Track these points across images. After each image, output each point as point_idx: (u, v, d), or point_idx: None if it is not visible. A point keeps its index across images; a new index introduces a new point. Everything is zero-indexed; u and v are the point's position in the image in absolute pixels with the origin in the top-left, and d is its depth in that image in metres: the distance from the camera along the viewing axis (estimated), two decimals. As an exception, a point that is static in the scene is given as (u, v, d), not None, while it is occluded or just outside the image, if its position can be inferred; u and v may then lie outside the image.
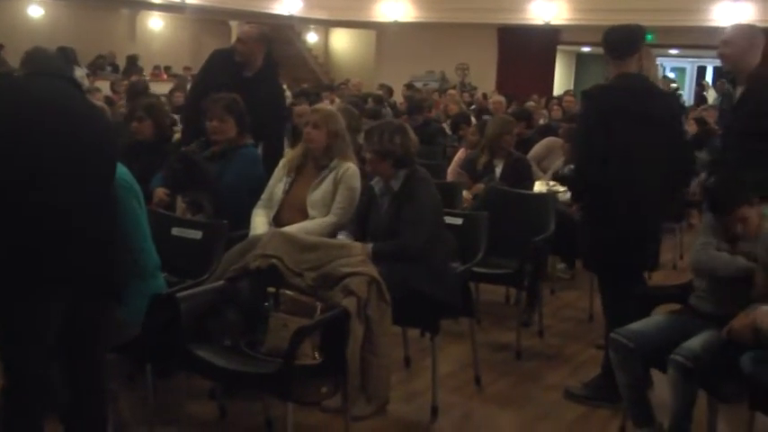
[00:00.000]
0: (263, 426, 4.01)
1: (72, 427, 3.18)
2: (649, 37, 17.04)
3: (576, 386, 4.59)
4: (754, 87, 4.45)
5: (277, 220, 4.50)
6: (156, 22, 23.80)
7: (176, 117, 7.78)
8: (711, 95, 17.79)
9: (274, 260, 3.68)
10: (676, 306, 4.11)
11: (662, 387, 3.79)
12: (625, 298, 4.23)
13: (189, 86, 8.75)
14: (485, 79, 21.07)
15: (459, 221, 4.81)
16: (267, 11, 21.14)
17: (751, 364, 3.46)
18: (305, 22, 23.94)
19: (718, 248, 3.86)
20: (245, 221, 4.55)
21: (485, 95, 17.18)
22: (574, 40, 21.02)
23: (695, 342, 3.65)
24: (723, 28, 4.96)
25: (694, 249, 3.95)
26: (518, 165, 6.36)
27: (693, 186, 6.07)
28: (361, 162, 4.50)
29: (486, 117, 9.10)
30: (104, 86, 13.23)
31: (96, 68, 19.09)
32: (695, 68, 26.04)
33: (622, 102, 4.25)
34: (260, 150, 5.39)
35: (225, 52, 6.10)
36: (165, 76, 20.02)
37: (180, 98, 10.51)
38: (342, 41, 27.00)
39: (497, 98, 11.41)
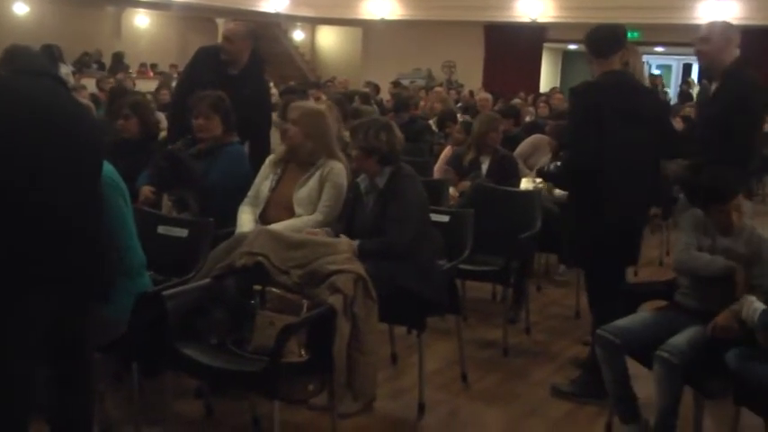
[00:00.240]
0: (249, 424, 4.00)
1: (58, 427, 3.17)
2: (635, 34, 17.19)
3: (563, 383, 4.61)
4: (728, 84, 4.57)
5: (263, 218, 4.49)
6: (141, 20, 23.73)
7: (162, 115, 7.74)
8: (696, 93, 17.90)
9: (260, 258, 3.68)
10: (662, 302, 4.13)
11: (648, 383, 3.80)
12: (611, 294, 4.25)
13: (174, 84, 8.73)
14: (471, 77, 21.11)
15: (445, 219, 4.81)
16: (254, 8, 21.11)
17: (736, 360, 3.49)
18: (291, 19, 23.91)
19: (699, 247, 3.90)
20: (232, 219, 4.54)
21: (471, 93, 17.22)
22: (560, 37, 21.09)
23: (680, 338, 3.68)
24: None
25: (676, 250, 4.00)
26: (504, 162, 6.36)
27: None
28: (350, 159, 4.49)
29: (465, 117, 9.12)
30: (90, 84, 13.17)
31: (82, 66, 19.03)
32: (681, 66, 26.16)
33: (610, 98, 4.28)
34: (247, 148, 5.39)
35: (210, 49, 6.08)
36: (152, 74, 19.97)
37: (166, 96, 10.48)
38: (328, 39, 26.98)
39: (484, 95, 11.42)
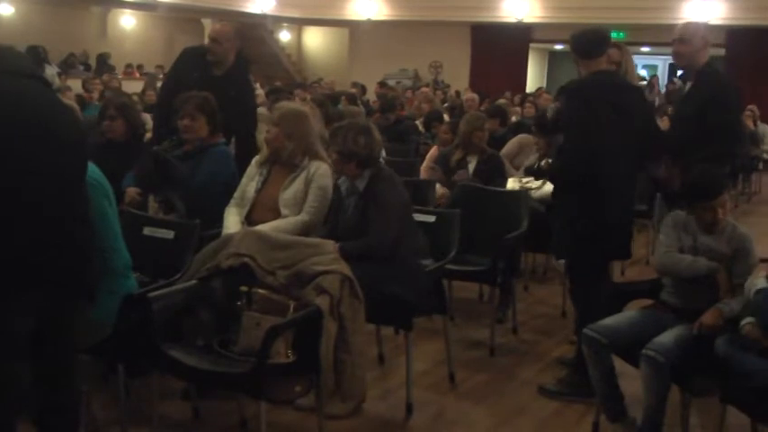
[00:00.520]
0: (236, 425, 3.99)
1: (45, 428, 3.15)
2: (621, 35, 17.25)
3: (550, 383, 4.61)
4: (701, 84, 4.70)
5: (249, 219, 4.49)
6: (127, 20, 23.64)
7: (149, 116, 7.72)
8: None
9: (247, 259, 3.67)
10: (648, 301, 4.15)
11: (635, 382, 3.82)
12: (597, 292, 4.27)
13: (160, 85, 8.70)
14: (458, 77, 21.14)
15: (431, 219, 4.82)
16: (240, 9, 21.07)
17: (725, 345, 3.53)
18: (278, 20, 23.87)
19: (681, 247, 3.93)
20: (218, 220, 4.53)
21: (458, 93, 17.24)
22: (546, 37, 21.14)
23: (667, 337, 3.69)
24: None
25: (657, 253, 4.02)
26: (491, 162, 6.38)
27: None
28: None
29: (452, 117, 9.13)
30: (76, 85, 13.11)
31: (68, 67, 18.95)
32: (667, 65, 26.25)
33: (601, 94, 4.34)
34: (232, 149, 5.38)
35: (196, 49, 6.07)
36: (138, 75, 19.91)
37: (152, 97, 10.46)
38: (315, 40, 26.95)
39: (470, 96, 11.44)
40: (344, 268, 3.59)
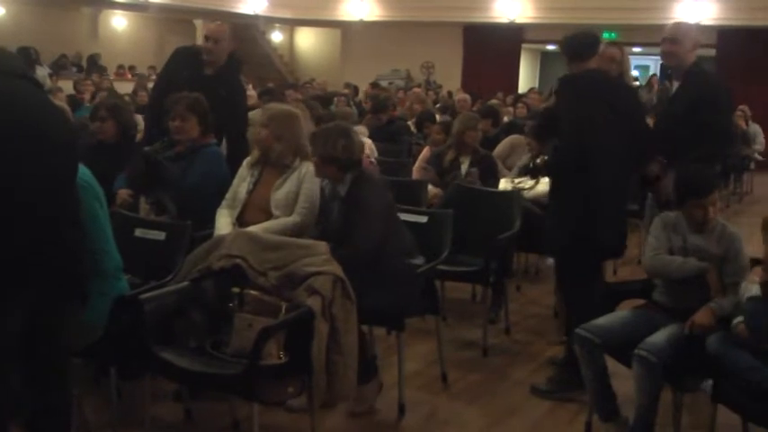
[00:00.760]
0: (229, 427, 3.99)
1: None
2: (613, 35, 17.30)
3: (542, 382, 4.62)
4: (690, 84, 4.74)
5: (240, 221, 4.48)
6: (119, 21, 23.57)
7: (140, 117, 7.70)
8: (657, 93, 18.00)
9: (238, 260, 3.66)
10: (640, 301, 4.15)
11: (627, 381, 3.82)
12: (590, 293, 4.27)
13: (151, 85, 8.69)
14: (450, 77, 21.14)
15: (423, 219, 4.82)
16: (232, 10, 21.03)
17: (717, 343, 3.54)
18: (270, 21, 23.83)
19: (670, 248, 3.94)
20: (210, 222, 4.52)
21: (450, 93, 17.25)
22: (538, 38, 21.15)
23: (659, 336, 3.70)
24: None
25: (646, 256, 4.03)
26: (484, 162, 6.38)
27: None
28: None
29: (444, 117, 9.13)
30: (67, 86, 13.08)
31: (59, 68, 18.91)
32: (658, 66, 26.30)
33: (592, 91, 4.40)
34: (224, 149, 5.37)
35: (188, 49, 6.06)
36: (130, 76, 19.87)
37: (144, 98, 10.44)
38: (307, 40, 26.92)
39: (462, 96, 11.44)
40: (336, 269, 3.58)
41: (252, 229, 4.19)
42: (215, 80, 5.60)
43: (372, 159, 6.92)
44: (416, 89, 16.17)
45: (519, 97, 13.86)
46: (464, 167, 6.35)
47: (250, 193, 4.56)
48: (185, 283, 3.70)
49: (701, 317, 3.66)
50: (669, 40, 4.80)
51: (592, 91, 4.40)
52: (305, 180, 4.46)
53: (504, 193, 6.06)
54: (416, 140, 9.09)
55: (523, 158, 6.81)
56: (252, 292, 3.58)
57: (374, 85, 17.26)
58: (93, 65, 20.13)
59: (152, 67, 19.09)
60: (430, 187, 6.20)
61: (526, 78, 22.60)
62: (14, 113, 2.77)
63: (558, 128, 4.51)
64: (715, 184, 3.98)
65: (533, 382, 4.65)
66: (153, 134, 5.46)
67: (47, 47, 18.62)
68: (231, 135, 5.61)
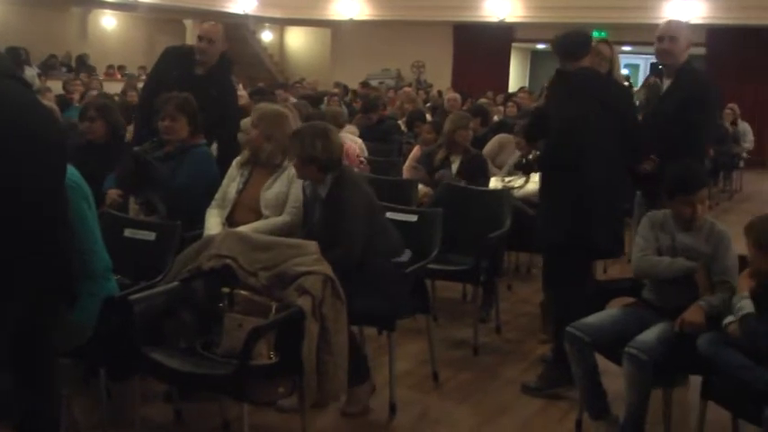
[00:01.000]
0: (219, 427, 3.98)
1: (25, 433, 3.13)
2: (603, 34, 17.39)
3: (532, 381, 4.62)
4: (682, 82, 4.76)
5: (230, 221, 4.47)
6: (108, 21, 23.51)
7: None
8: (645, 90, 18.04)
9: (228, 260, 3.65)
10: (630, 299, 4.16)
11: (617, 379, 3.83)
12: (580, 291, 4.28)
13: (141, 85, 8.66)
14: (440, 77, 21.16)
15: (413, 218, 4.82)
16: (222, 9, 21.00)
17: (707, 343, 3.53)
18: (260, 20, 23.80)
19: (658, 247, 3.95)
20: (200, 222, 4.51)
21: (440, 93, 17.26)
22: (528, 37, 21.18)
23: (649, 335, 3.71)
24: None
25: (634, 257, 4.02)
26: (474, 161, 6.39)
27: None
28: None
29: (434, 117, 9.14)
30: (56, 86, 13.04)
31: (48, 68, 18.86)
32: (648, 65, 26.36)
33: (585, 88, 4.41)
34: (214, 149, 5.36)
35: (178, 49, 6.05)
36: (119, 76, 19.81)
37: (133, 98, 10.40)
38: (297, 40, 26.91)
39: (452, 95, 11.44)
40: (327, 269, 3.58)
41: (242, 229, 4.19)
42: (206, 80, 5.59)
43: (363, 159, 6.92)
44: (407, 88, 16.17)
45: (509, 96, 13.89)
46: (455, 167, 6.35)
47: (240, 193, 4.55)
48: (175, 284, 3.69)
49: (692, 315, 3.66)
50: (668, 39, 4.79)
51: (584, 89, 4.41)
52: (295, 180, 4.45)
53: (495, 192, 6.07)
54: (407, 140, 9.10)
55: (514, 157, 6.82)
56: (242, 292, 3.57)
57: (364, 84, 17.26)
58: (83, 65, 20.07)
59: (142, 67, 19.05)
60: (420, 186, 6.21)
61: (516, 77, 22.63)
62: (5, 113, 2.76)
63: (548, 127, 4.51)
64: (704, 180, 3.97)
65: (524, 381, 4.65)
66: (143, 134, 5.44)
67: (36, 47, 18.56)
68: (222, 135, 5.60)
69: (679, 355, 3.65)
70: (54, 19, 21.55)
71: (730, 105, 13.55)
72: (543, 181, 4.70)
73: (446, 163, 6.38)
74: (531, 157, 5.21)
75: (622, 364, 3.67)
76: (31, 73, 14.94)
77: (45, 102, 5.28)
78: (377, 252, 4.07)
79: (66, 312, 3.15)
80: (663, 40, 4.82)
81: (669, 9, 17.45)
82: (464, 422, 4.28)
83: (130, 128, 6.09)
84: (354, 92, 16.24)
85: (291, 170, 4.47)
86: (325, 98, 11.93)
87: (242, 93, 9.13)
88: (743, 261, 3.86)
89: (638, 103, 5.73)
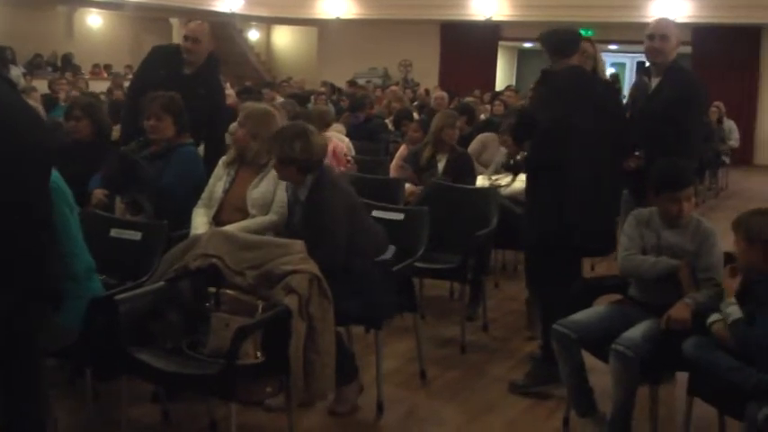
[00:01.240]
0: (206, 427, 3.96)
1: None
2: (589, 33, 17.44)
3: (519, 379, 4.62)
4: (671, 80, 4.75)
5: (217, 220, 4.46)
6: (94, 20, 23.41)
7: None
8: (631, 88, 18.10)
9: (215, 260, 3.64)
10: (617, 296, 4.17)
11: (604, 376, 3.84)
12: (565, 289, 4.28)
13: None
14: (428, 75, 21.16)
15: (400, 217, 4.82)
16: (208, 8, 20.93)
17: (693, 348, 3.54)
18: (246, 19, 23.76)
19: (644, 246, 3.95)
20: (186, 221, 4.50)
21: (427, 91, 17.26)
22: (515, 36, 21.20)
23: (636, 331, 3.72)
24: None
25: (619, 257, 4.03)
26: (461, 160, 6.40)
27: None
28: None
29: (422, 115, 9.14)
30: (42, 86, 12.98)
31: (34, 68, 18.79)
32: (634, 63, 26.44)
33: (573, 87, 4.41)
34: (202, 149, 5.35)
35: (165, 48, 6.03)
36: (105, 75, 19.74)
37: (120, 96, 10.37)
38: (284, 39, 26.87)
39: (439, 94, 11.45)
40: (313, 267, 3.57)
41: (228, 228, 4.17)
42: (194, 79, 5.58)
43: (350, 158, 6.92)
44: (394, 87, 16.17)
45: (496, 95, 13.89)
46: (441, 165, 6.36)
47: (226, 192, 4.54)
48: (161, 284, 3.68)
49: (678, 312, 3.67)
50: (659, 37, 4.78)
51: (572, 89, 4.40)
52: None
53: (482, 190, 6.08)
54: (394, 138, 9.10)
55: (501, 156, 6.83)
56: (228, 291, 3.57)
57: (352, 83, 17.24)
58: (68, 64, 20.00)
59: (128, 66, 18.97)
60: (407, 185, 6.21)
61: (503, 76, 22.64)
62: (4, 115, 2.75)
63: (535, 126, 4.51)
64: (691, 178, 3.98)
65: (512, 379, 4.65)
66: (130, 134, 5.42)
67: (21, 46, 18.48)
68: (210, 134, 5.58)
69: (665, 352, 3.65)
70: (39, 18, 21.43)
71: (716, 103, 13.61)
72: (529, 180, 4.71)
73: (432, 162, 6.39)
74: (518, 157, 5.22)
75: (609, 361, 3.68)
76: (16, 72, 14.90)
77: (31, 102, 5.24)
78: (359, 251, 4.03)
79: (51, 314, 3.14)
80: (654, 38, 4.80)
81: (655, 8, 17.50)
82: (451, 420, 4.29)
83: (117, 127, 6.06)
84: (340, 90, 16.23)
85: (278, 169, 4.46)
86: (312, 97, 11.92)
87: (229, 92, 9.13)
88: (728, 258, 3.88)
89: (624, 101, 5.72)
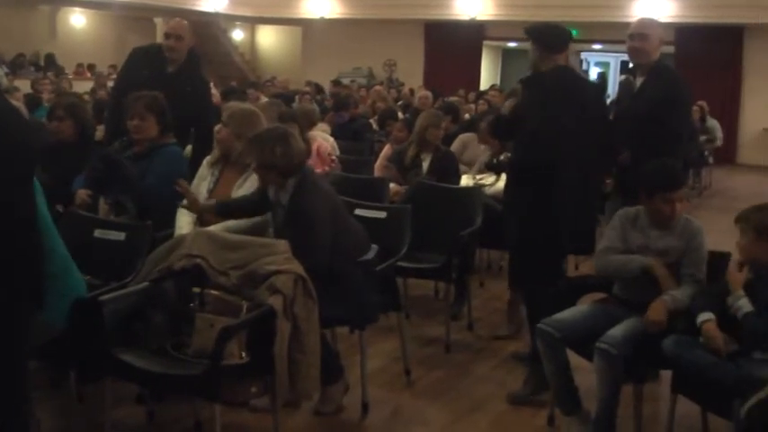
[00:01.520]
0: (192, 428, 3.96)
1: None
2: (573, 32, 17.47)
3: (517, 389, 4.51)
4: (655, 80, 4.77)
5: (201, 220, 4.44)
6: (77, 19, 23.29)
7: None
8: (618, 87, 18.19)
9: (199, 260, 3.63)
10: (601, 295, 4.18)
11: (589, 375, 3.85)
12: (549, 289, 4.29)
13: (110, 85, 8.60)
14: (412, 75, 21.18)
15: (382, 215, 4.82)
16: (192, 7, 20.87)
17: (673, 346, 3.55)
18: (231, 18, 23.70)
19: (629, 247, 3.95)
20: (170, 222, 4.49)
21: (412, 91, 17.28)
22: (500, 35, 21.25)
23: (619, 330, 3.73)
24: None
25: (595, 256, 4.04)
26: (445, 160, 6.40)
27: None
28: None
29: (406, 115, 9.14)
30: (25, 85, 12.90)
31: (17, 67, 18.69)
32: (619, 63, 26.56)
33: (559, 88, 4.40)
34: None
35: (147, 48, 6.01)
36: (89, 75, 19.66)
37: (104, 96, 10.34)
38: (268, 38, 26.82)
39: (424, 93, 11.46)
40: (298, 267, 3.57)
41: (212, 228, 4.16)
42: (178, 77, 5.57)
43: (334, 157, 6.91)
44: (378, 87, 16.17)
45: (480, 94, 13.92)
46: (425, 165, 6.36)
47: (211, 192, 4.52)
48: (145, 284, 3.66)
49: (654, 313, 3.68)
50: (639, 36, 4.80)
51: (560, 89, 4.40)
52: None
53: (466, 189, 6.09)
54: (378, 138, 9.11)
55: (485, 155, 6.85)
56: (213, 291, 3.56)
57: (336, 82, 17.23)
58: (51, 64, 19.90)
59: (112, 66, 18.89)
60: (392, 185, 6.21)
61: (488, 75, 22.70)
62: None
63: (520, 126, 4.52)
64: (683, 179, 4.00)
65: (510, 392, 4.51)
66: (113, 134, 5.40)
67: (4, 46, 18.39)
68: (200, 130, 5.56)
69: (649, 351, 3.67)
70: (22, 17, 21.30)
71: (699, 102, 13.68)
72: (512, 180, 4.71)
73: (417, 161, 6.39)
74: (502, 157, 5.24)
75: (593, 360, 3.69)
76: (-1, 72, 14.78)
77: (13, 102, 5.20)
78: (342, 251, 3.99)
79: (32, 314, 3.12)
80: (634, 38, 4.82)
81: (639, 8, 17.58)
82: (436, 420, 4.29)
83: (101, 127, 6.04)
84: (323, 89, 16.22)
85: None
86: (297, 97, 11.90)
87: (214, 92, 9.10)
88: (712, 256, 3.90)
89: (609, 100, 5.76)
